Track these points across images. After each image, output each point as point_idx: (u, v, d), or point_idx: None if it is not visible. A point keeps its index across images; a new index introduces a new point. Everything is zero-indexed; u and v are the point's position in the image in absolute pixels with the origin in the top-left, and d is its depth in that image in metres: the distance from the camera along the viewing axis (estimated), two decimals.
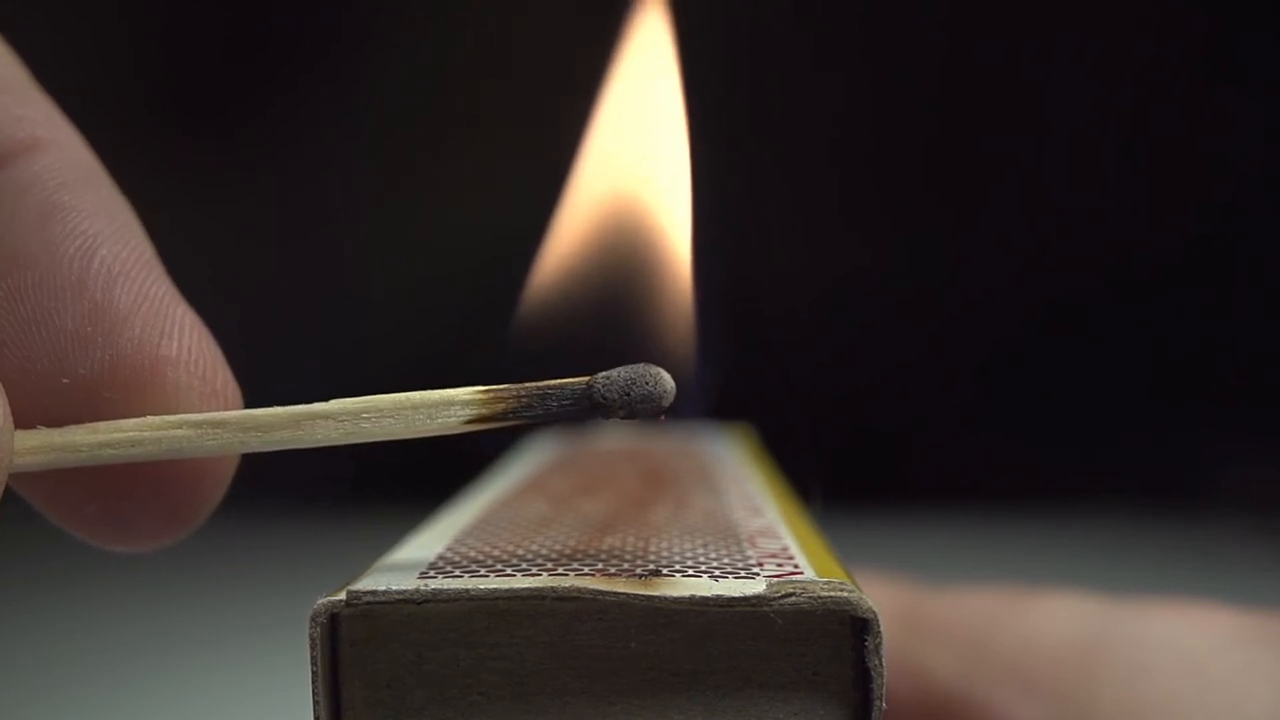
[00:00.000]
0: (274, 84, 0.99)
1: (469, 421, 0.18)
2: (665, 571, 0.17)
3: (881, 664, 0.16)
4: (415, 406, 0.18)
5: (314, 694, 0.16)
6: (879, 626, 0.16)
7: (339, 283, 0.97)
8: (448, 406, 0.18)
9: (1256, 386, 0.93)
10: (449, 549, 0.19)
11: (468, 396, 0.18)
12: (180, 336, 0.19)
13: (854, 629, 0.16)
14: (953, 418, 0.96)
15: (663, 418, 0.18)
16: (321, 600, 0.16)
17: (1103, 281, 0.96)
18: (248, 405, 0.19)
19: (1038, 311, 0.97)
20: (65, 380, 0.18)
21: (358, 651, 0.16)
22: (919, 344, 0.96)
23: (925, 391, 0.96)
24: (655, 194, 0.21)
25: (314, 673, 0.16)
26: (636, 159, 0.21)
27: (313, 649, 0.16)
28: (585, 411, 0.18)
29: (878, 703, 0.16)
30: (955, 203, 0.98)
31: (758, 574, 0.17)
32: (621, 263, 0.21)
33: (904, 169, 0.98)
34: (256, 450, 0.18)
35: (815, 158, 0.96)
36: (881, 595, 0.27)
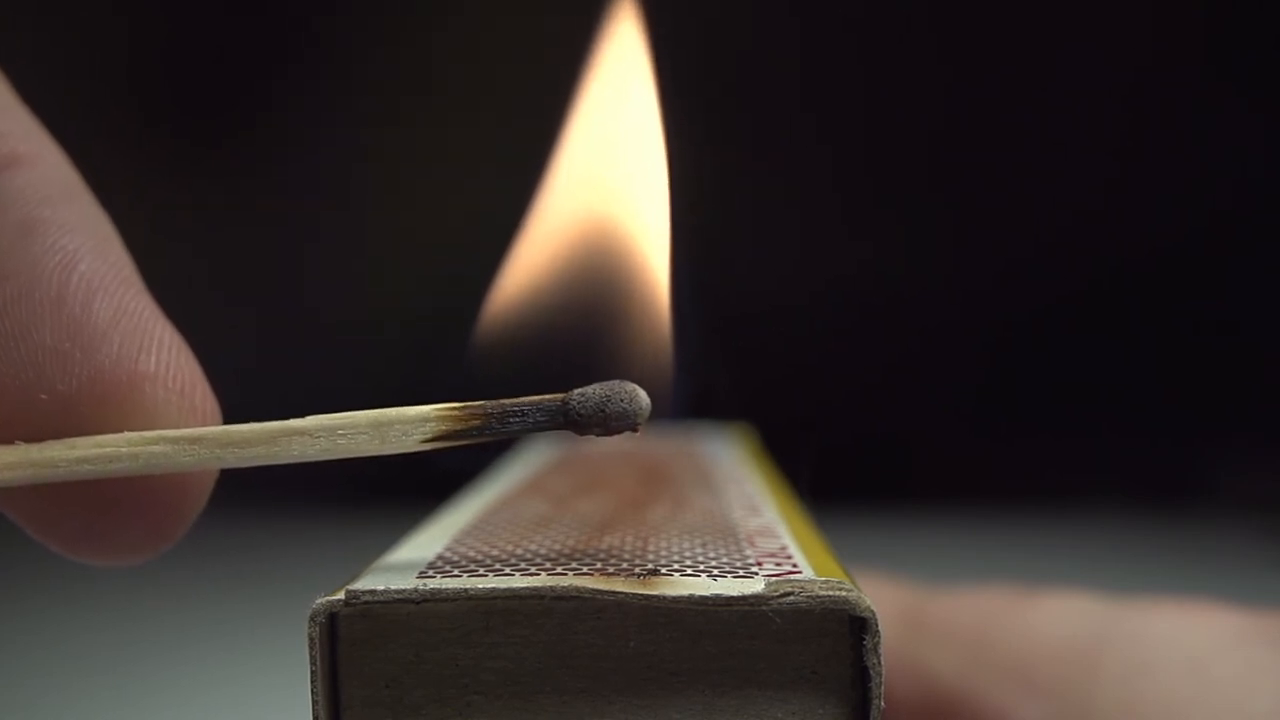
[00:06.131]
0: (257, 100, 0.99)
1: (443, 438, 0.18)
2: (664, 571, 0.17)
3: (880, 663, 0.16)
4: (391, 423, 0.18)
5: (313, 693, 0.16)
6: (877, 625, 0.16)
7: (314, 300, 0.97)
8: (423, 423, 0.18)
9: (1256, 386, 0.93)
10: (448, 549, 0.19)
11: (442, 413, 0.18)
12: (159, 352, 0.19)
13: (852, 628, 0.16)
14: (953, 418, 0.96)
15: (639, 432, 0.18)
16: (320, 600, 0.16)
17: (1103, 281, 0.96)
18: (226, 421, 0.19)
19: (1037, 311, 0.97)
20: (44, 396, 0.18)
21: (356, 651, 0.17)
22: (919, 344, 0.96)
23: (925, 391, 0.96)
24: (630, 204, 0.21)
25: (313, 672, 0.16)
26: (611, 168, 0.21)
27: (312, 648, 0.16)
28: (561, 428, 0.18)
29: (876, 702, 0.16)
30: (954, 202, 0.98)
31: (756, 573, 0.17)
32: (596, 274, 0.21)
33: (904, 168, 0.98)
34: (233, 466, 0.18)
35: (814, 156, 0.96)
36: (882, 595, 0.27)
